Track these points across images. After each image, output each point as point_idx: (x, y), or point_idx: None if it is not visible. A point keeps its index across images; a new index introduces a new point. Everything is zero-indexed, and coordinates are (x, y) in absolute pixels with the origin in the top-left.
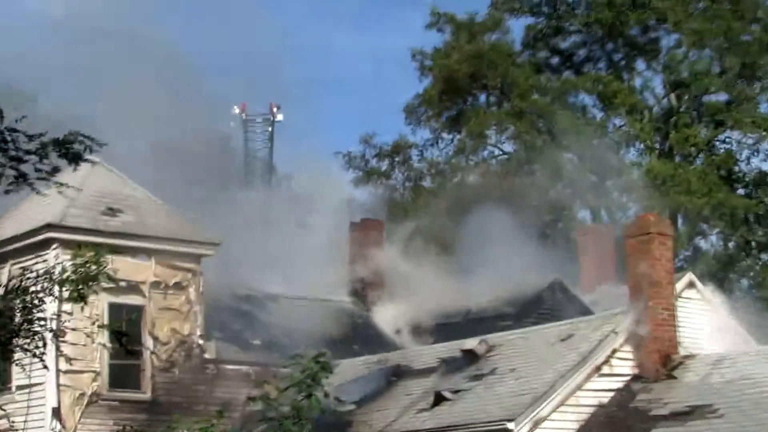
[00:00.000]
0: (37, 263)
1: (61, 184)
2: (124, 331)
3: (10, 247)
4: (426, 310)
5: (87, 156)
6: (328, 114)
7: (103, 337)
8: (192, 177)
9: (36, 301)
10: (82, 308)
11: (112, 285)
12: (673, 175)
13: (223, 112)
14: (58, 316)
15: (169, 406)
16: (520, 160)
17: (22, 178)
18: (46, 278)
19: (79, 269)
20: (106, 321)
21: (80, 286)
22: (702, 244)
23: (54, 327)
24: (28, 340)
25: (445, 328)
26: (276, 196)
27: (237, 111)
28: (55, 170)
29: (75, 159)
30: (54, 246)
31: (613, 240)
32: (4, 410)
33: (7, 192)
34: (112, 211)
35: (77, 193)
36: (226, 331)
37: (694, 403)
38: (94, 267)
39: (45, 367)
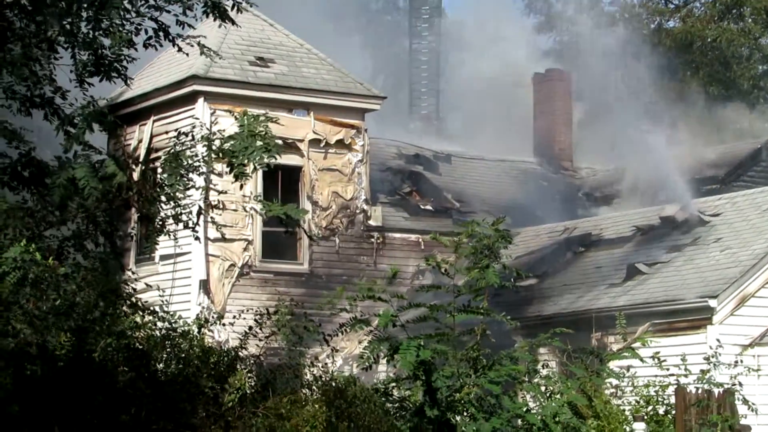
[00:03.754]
0: (181, 120)
1: (205, 47)
2: (285, 212)
3: (152, 102)
4: (621, 173)
5: (234, 14)
6: None
7: (256, 202)
8: (352, 24)
9: (190, 172)
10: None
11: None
12: None
13: None
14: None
15: (328, 279)
16: (729, 3)
17: (162, 31)
18: (203, 144)
19: (242, 138)
20: (259, 184)
21: (243, 159)
22: None
23: (205, 197)
24: (180, 210)
25: (643, 192)
26: (446, 44)
27: None
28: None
29: (222, 16)
30: (200, 100)
31: None
32: (148, 285)
33: (146, 46)
34: (262, 61)
35: (222, 41)
36: (393, 195)
37: None
38: (258, 136)
39: (197, 239)
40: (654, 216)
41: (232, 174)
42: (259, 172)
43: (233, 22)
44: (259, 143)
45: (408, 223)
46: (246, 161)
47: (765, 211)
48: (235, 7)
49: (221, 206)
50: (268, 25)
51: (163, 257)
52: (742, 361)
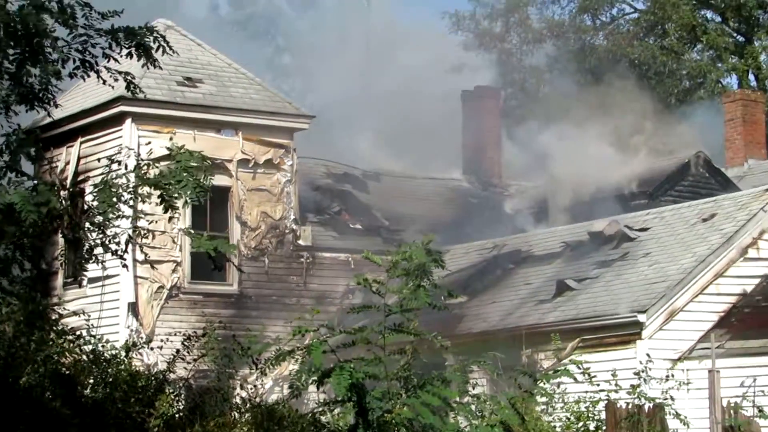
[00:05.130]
0: (109, 141)
1: (132, 83)
2: (216, 248)
3: (79, 123)
4: (550, 189)
5: (157, 55)
6: None
7: (184, 221)
8: (280, 43)
9: (120, 202)
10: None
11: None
12: None
13: None
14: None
15: (258, 300)
16: (653, 19)
17: (87, 64)
18: (135, 174)
19: (175, 173)
20: (188, 207)
21: (174, 193)
22: None
23: (134, 226)
24: (108, 238)
25: (573, 208)
26: (375, 63)
27: None
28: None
29: (145, 56)
30: (127, 121)
31: (763, 107)
32: (75, 312)
33: (71, 76)
34: (191, 81)
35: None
36: (322, 215)
37: None
38: (191, 171)
39: (125, 266)
40: (583, 232)
41: (162, 206)
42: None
43: (155, 64)
44: (191, 180)
45: (337, 243)
46: (177, 195)
47: (693, 225)
48: (160, 49)
49: (151, 236)
50: (196, 45)
51: (91, 280)
52: (673, 375)
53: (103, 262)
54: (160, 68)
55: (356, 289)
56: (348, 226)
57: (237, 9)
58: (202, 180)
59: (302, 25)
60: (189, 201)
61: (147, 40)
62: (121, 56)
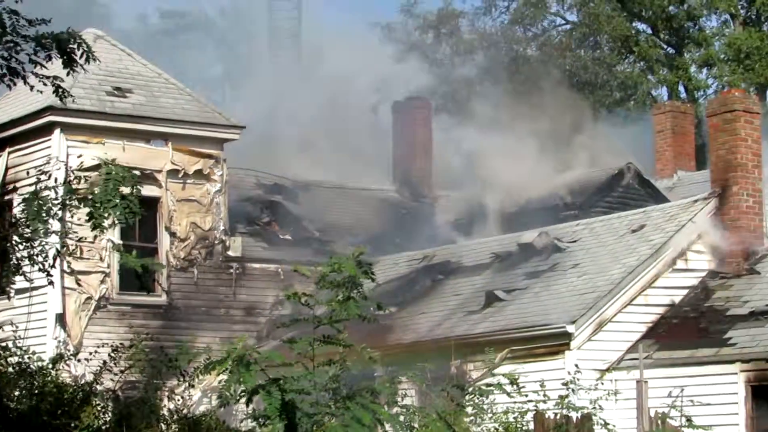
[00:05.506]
0: (37, 151)
1: (60, 88)
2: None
3: (7, 133)
4: (481, 200)
5: (81, 62)
6: None
7: (113, 233)
8: (211, 54)
9: (50, 217)
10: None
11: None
12: (759, 47)
13: None
14: (65, 227)
15: (186, 311)
16: (585, 31)
17: (14, 71)
18: (64, 188)
19: (106, 192)
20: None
21: (103, 212)
22: None
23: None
24: (35, 252)
25: (501, 219)
26: (306, 73)
27: None
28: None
29: (69, 61)
30: (56, 131)
31: (693, 119)
32: (2, 324)
33: None
34: (120, 91)
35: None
36: (252, 225)
37: None
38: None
39: (51, 283)
40: (512, 243)
41: (90, 223)
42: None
43: (75, 69)
44: (120, 201)
45: (267, 254)
46: (106, 215)
47: (622, 236)
48: (84, 55)
49: (79, 251)
50: (126, 54)
51: (18, 291)
52: (602, 385)
53: (30, 278)
54: (84, 71)
55: (285, 300)
56: (278, 236)
57: (167, 19)
58: (131, 203)
59: (233, 35)
60: (117, 222)
61: (72, 46)
62: (47, 62)
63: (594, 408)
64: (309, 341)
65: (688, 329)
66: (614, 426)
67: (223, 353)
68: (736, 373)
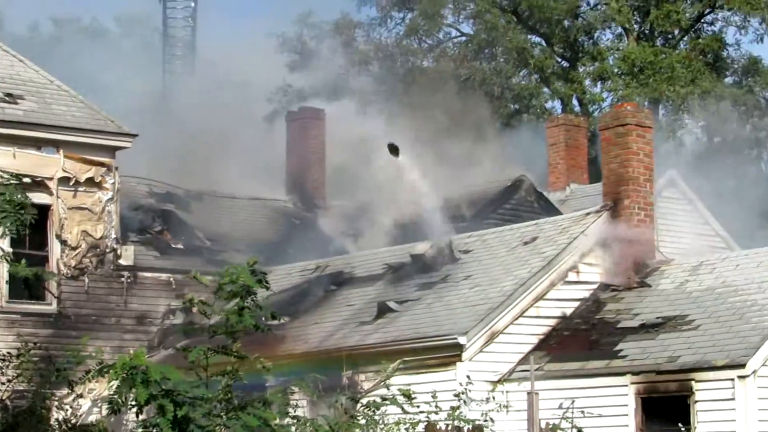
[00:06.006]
0: None
1: None
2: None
3: None
4: (374, 210)
5: None
6: None
7: (2, 242)
8: (104, 62)
9: None
10: None
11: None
12: (653, 62)
13: None
14: None
15: (77, 320)
16: (480, 44)
17: None
18: None
19: None
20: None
21: None
22: (685, 138)
23: None
24: None
25: (395, 230)
26: (200, 82)
27: None
28: None
29: None
30: None
31: (586, 133)
32: None
33: None
34: (11, 97)
35: None
36: (144, 234)
37: (668, 314)
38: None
39: None
40: (405, 254)
41: None
42: None
43: None
44: (12, 213)
45: (159, 262)
46: None
47: (514, 248)
48: None
49: None
50: (17, 61)
51: None
52: (494, 398)
53: None
54: None
55: (177, 309)
56: (170, 245)
57: (60, 27)
58: (21, 215)
59: (127, 44)
60: (8, 233)
61: None
62: None
63: (486, 420)
64: (203, 350)
65: (580, 341)
66: None
67: (115, 361)
68: (626, 385)
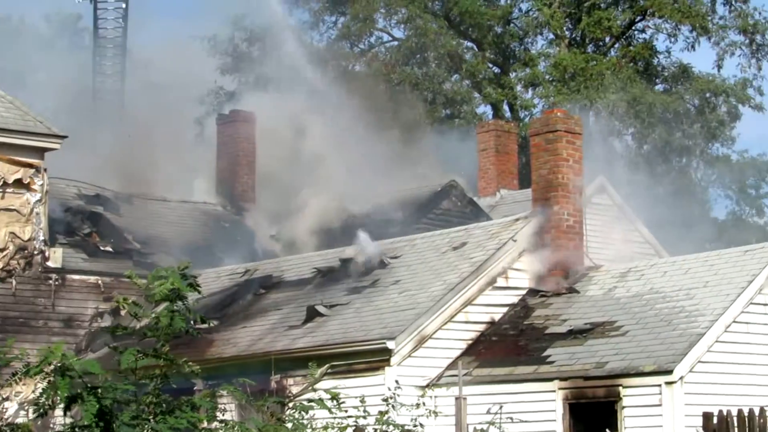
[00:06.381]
0: None
1: None
2: None
3: None
4: (305, 214)
5: None
6: None
7: None
8: (34, 62)
9: None
10: None
11: None
12: (584, 68)
13: None
14: None
15: (3, 322)
16: (412, 48)
17: None
18: None
19: None
20: None
21: None
22: (616, 144)
23: None
24: None
25: (325, 234)
26: (131, 83)
27: None
28: None
29: None
30: None
31: (517, 138)
32: None
33: None
34: None
35: None
36: (72, 236)
37: (596, 320)
38: None
39: None
40: (334, 258)
41: None
42: None
43: None
44: None
45: (87, 265)
46: None
47: (444, 253)
48: None
49: None
50: None
51: None
52: (424, 404)
53: None
54: None
55: (105, 312)
56: (98, 248)
57: None
58: None
59: (58, 44)
60: None
61: None
62: None
63: (416, 425)
64: (133, 353)
65: (508, 347)
66: None
67: (40, 359)
68: (554, 391)
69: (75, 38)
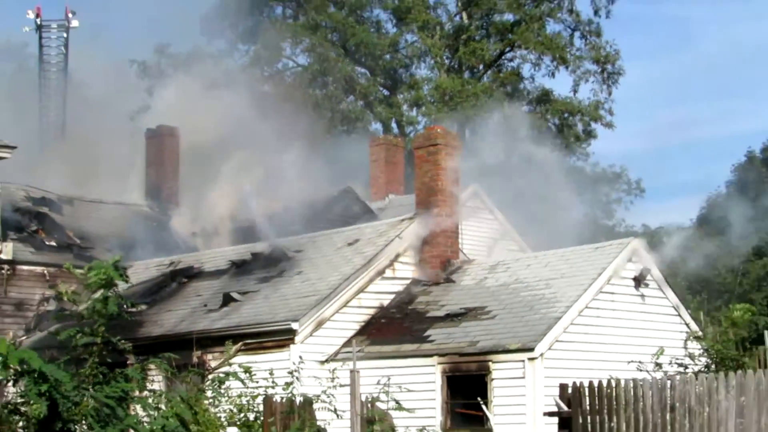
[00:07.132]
0: None
1: None
2: None
3: None
4: (220, 214)
5: None
6: (122, 21)
7: None
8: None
9: None
10: None
11: None
12: (461, 90)
13: (18, 17)
14: None
15: None
16: (314, 73)
17: None
18: None
19: None
20: None
21: None
22: (487, 156)
23: None
24: None
25: (239, 232)
26: (71, 103)
27: (31, 15)
28: None
29: None
30: None
31: (403, 151)
32: None
33: None
34: None
35: None
36: (22, 233)
37: (469, 305)
38: None
39: None
40: (247, 252)
41: None
42: None
43: None
44: None
45: (35, 257)
46: None
47: (340, 248)
48: None
49: None
50: None
51: None
52: (329, 377)
53: None
54: None
55: (50, 297)
56: (44, 243)
57: None
58: None
59: (8, 67)
60: None
61: None
62: None
63: (320, 394)
64: (71, 333)
65: (395, 328)
66: (337, 409)
67: None
68: (434, 365)
69: (23, 62)
